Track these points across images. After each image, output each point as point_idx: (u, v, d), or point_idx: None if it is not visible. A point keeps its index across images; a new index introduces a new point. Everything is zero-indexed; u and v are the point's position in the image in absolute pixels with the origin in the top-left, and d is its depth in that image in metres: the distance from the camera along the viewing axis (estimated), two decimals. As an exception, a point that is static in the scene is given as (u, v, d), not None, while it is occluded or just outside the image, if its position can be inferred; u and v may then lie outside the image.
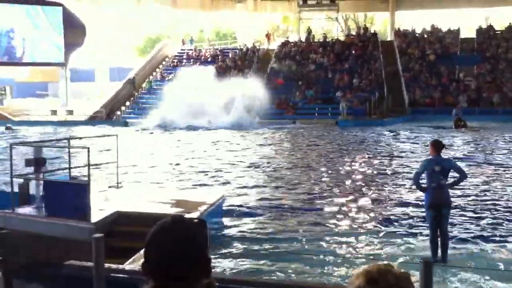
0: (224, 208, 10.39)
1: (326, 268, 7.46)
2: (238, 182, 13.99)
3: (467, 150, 20.29)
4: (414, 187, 8.84)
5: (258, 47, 45.99)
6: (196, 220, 1.65)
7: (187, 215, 8.28)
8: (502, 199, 11.82)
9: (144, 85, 41.37)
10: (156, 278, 1.57)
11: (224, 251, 8.32)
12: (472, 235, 9.09)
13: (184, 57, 45.85)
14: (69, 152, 10.37)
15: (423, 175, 7.86)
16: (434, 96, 35.88)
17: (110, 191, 10.27)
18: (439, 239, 7.76)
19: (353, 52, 41.90)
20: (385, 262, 1.62)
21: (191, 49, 47.20)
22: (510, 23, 43.57)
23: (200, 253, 1.57)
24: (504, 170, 15.65)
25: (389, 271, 1.52)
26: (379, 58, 40.59)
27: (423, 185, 7.86)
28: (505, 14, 51.93)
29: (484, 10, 51.87)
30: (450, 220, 8.20)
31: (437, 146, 7.86)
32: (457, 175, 7.87)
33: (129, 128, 31.52)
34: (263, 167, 16.72)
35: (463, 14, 53.36)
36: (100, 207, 8.77)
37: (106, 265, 4.95)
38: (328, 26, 59.50)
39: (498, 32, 43.36)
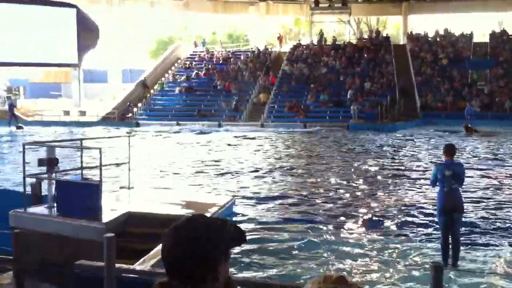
0: (234, 210, 10.42)
1: (333, 270, 7.46)
2: (249, 185, 14.02)
3: (478, 154, 20.17)
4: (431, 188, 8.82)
5: (270, 50, 46.03)
6: (215, 220, 1.67)
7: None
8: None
9: (156, 86, 41.56)
10: (167, 275, 1.63)
11: (232, 254, 8.33)
12: (482, 239, 9.06)
13: (196, 59, 46.00)
14: (81, 152, 10.44)
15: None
16: (446, 100, 35.70)
17: (121, 192, 10.33)
18: (450, 245, 7.72)
19: (365, 55, 41.84)
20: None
21: (203, 51, 47.34)
22: (524, 28, 43.34)
23: (208, 253, 1.59)
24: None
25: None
26: (391, 62, 40.49)
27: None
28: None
29: (498, 14, 51.58)
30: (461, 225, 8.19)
31: (449, 150, 7.86)
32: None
33: (141, 129, 31.64)
34: (274, 170, 16.72)
35: (477, 18, 53.03)
36: (112, 207, 8.82)
37: (117, 265, 4.98)
38: (340, 29, 59.41)
39: (512, 36, 43.11)
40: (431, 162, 18.08)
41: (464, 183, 7.94)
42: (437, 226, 9.49)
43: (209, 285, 1.60)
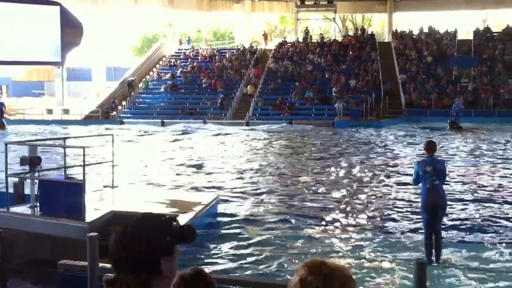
0: (218, 209, 10.39)
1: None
2: (233, 183, 13.99)
3: (462, 150, 20.32)
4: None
5: (255, 47, 46.03)
6: (160, 218, 1.73)
7: (181, 215, 8.29)
8: (495, 198, 11.84)
9: (140, 84, 41.34)
10: (114, 270, 1.73)
11: (217, 251, 8.32)
12: (465, 234, 9.12)
13: (181, 56, 45.83)
14: (64, 151, 10.33)
15: None
16: (431, 98, 35.92)
17: (105, 191, 10.25)
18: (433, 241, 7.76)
19: (350, 53, 41.97)
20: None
21: (188, 49, 47.18)
22: (507, 25, 43.67)
23: (148, 250, 1.66)
24: (498, 171, 15.69)
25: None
26: (376, 59, 40.66)
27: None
28: (502, 16, 52.11)
29: (481, 12, 52.02)
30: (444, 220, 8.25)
31: (430, 146, 7.94)
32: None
33: (125, 127, 31.46)
34: (258, 168, 16.71)
35: (461, 16, 53.46)
36: (95, 206, 8.76)
37: (101, 264, 4.94)
38: (326, 26, 59.59)
39: (495, 34, 43.44)
40: (414, 159, 18.18)
41: (446, 179, 7.95)
42: (421, 222, 9.55)
43: (153, 280, 1.65)
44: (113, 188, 10.42)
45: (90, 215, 8.20)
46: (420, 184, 7.87)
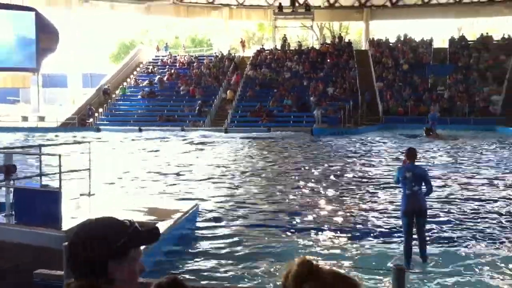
0: (197, 216, 10.31)
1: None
2: (211, 191, 13.90)
3: (439, 157, 20.52)
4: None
5: (233, 55, 46.07)
6: (111, 222, 1.69)
7: (160, 223, 8.20)
8: (473, 204, 11.97)
9: (117, 91, 41.01)
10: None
11: (195, 259, 8.23)
12: (444, 241, 9.18)
13: (159, 63, 45.63)
14: (40, 159, 10.17)
15: None
16: (408, 105, 36.29)
17: (82, 199, 10.11)
18: (417, 245, 7.88)
19: (328, 60, 42.24)
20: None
21: (166, 56, 47.01)
22: (482, 34, 44.39)
23: (94, 254, 1.62)
24: (473, 177, 15.87)
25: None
26: (354, 67, 40.98)
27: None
28: (477, 25, 53.02)
29: (457, 21, 52.84)
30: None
31: (410, 153, 8.02)
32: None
33: (102, 135, 31.14)
34: (237, 175, 16.65)
35: (436, 24, 54.23)
36: (72, 215, 8.63)
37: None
38: (303, 34, 59.94)
39: (470, 42, 44.13)
40: (390, 165, 18.32)
41: (431, 185, 7.97)
42: (400, 228, 9.60)
43: (101, 284, 1.62)
44: (90, 196, 10.29)
45: (67, 223, 8.07)
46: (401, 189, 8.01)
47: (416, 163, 8.14)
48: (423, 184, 7.82)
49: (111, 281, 1.64)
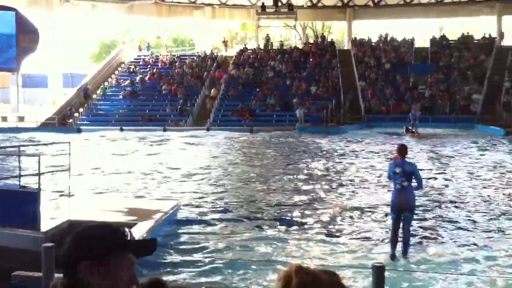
0: (178, 217, 10.23)
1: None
2: (193, 191, 13.81)
3: (418, 155, 20.65)
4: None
5: (216, 54, 45.97)
6: (95, 228, 1.68)
7: (141, 223, 8.12)
8: (453, 202, 12.05)
9: (98, 91, 40.65)
10: None
11: (177, 259, 8.16)
12: (432, 237, 9.22)
13: (141, 63, 45.36)
14: (19, 159, 10.03)
15: None
16: (390, 104, 36.51)
17: (61, 200, 9.99)
18: (400, 239, 8.11)
19: (311, 60, 42.33)
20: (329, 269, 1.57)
21: (148, 55, 46.75)
22: (462, 34, 44.80)
23: (72, 258, 1.61)
24: (453, 176, 16.00)
25: (307, 272, 1.50)
26: (337, 66, 41.12)
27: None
28: (458, 24, 53.53)
29: (438, 20, 53.28)
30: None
31: (400, 150, 8.29)
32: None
33: (82, 135, 30.85)
34: (218, 175, 16.58)
35: (418, 24, 54.62)
36: (51, 216, 8.52)
37: (56, 275, 4.76)
38: (286, 34, 60.01)
39: (451, 42, 44.51)
40: (373, 163, 18.40)
41: (421, 181, 8.21)
42: (378, 225, 9.66)
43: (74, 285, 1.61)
44: (70, 196, 10.17)
45: (46, 224, 7.96)
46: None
47: (407, 160, 8.34)
48: (413, 179, 8.04)
49: (80, 281, 1.61)
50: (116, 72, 44.15)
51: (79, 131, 33.05)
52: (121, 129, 32.89)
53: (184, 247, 8.86)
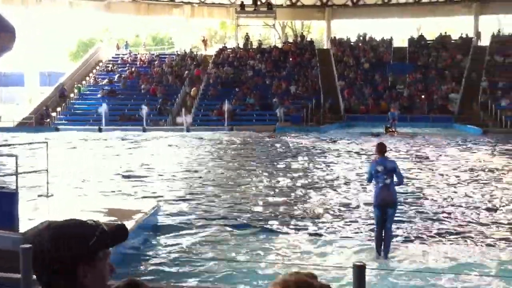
0: (158, 217, 10.14)
1: (260, 278, 7.33)
2: (173, 191, 13.71)
3: (398, 154, 20.79)
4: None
5: (195, 53, 45.78)
6: (75, 224, 1.60)
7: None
8: (433, 202, 12.15)
9: (76, 90, 40.15)
10: None
11: (157, 260, 8.08)
12: (407, 237, 9.27)
13: (119, 62, 44.96)
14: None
15: None
16: (369, 103, 36.72)
17: (39, 200, 9.82)
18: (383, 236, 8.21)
19: (290, 59, 42.37)
20: (309, 271, 1.53)
21: (126, 54, 46.37)
22: (440, 33, 45.26)
23: (54, 257, 1.53)
24: (433, 174, 16.14)
25: (308, 284, 1.44)
26: (316, 65, 41.23)
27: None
28: (435, 24, 54.08)
29: (416, 20, 53.78)
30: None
31: (380, 148, 8.39)
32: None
33: (60, 135, 30.47)
34: (198, 175, 16.47)
35: (396, 24, 55.05)
36: (29, 216, 8.37)
37: (34, 277, 4.66)
38: (266, 33, 60.00)
39: (429, 42, 44.95)
40: (350, 162, 18.48)
41: (402, 177, 8.47)
42: (366, 226, 9.68)
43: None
44: (48, 197, 10.01)
45: (24, 225, 7.82)
46: (373, 182, 8.35)
47: (387, 157, 8.47)
48: (395, 176, 8.18)
49: (82, 285, 1.55)
50: (94, 71, 43.70)
51: (57, 130, 32.65)
52: (100, 129, 32.56)
53: (163, 247, 8.78)
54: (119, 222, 1.71)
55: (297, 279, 1.45)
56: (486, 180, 15.25)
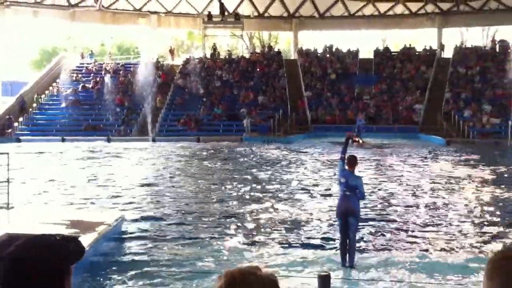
0: (122, 229, 9.94)
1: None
2: (137, 202, 13.48)
3: (363, 164, 20.95)
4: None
5: (162, 63, 45.45)
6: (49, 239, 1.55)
7: (83, 237, 7.79)
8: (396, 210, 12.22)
9: (39, 100, 39.27)
10: None
11: (122, 273, 7.89)
12: (373, 245, 9.27)
13: (84, 71, 44.28)
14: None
15: None
16: (335, 114, 37.00)
17: (0, 212, 9.53)
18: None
19: (258, 69, 42.44)
20: (253, 264, 1.57)
21: (91, 63, 45.73)
22: (405, 45, 46.01)
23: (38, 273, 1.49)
24: (398, 184, 16.28)
25: (253, 273, 1.50)
26: (283, 76, 41.38)
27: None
28: (400, 36, 55.00)
29: (381, 32, 54.56)
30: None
31: (349, 161, 8.40)
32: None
33: (22, 146, 29.78)
34: (163, 187, 16.25)
35: (362, 36, 55.76)
36: (-13, 229, 8.08)
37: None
38: (233, 43, 60.04)
39: (394, 53, 45.62)
40: (316, 173, 18.53)
41: (363, 195, 8.39)
42: (331, 235, 9.66)
43: None
44: (9, 209, 9.72)
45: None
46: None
47: (355, 172, 8.43)
48: (357, 191, 8.19)
49: None
50: (58, 80, 42.87)
51: (18, 141, 31.91)
52: (63, 139, 31.94)
53: (128, 259, 8.59)
54: (75, 237, 1.62)
55: (241, 269, 1.52)
56: (449, 189, 15.45)
